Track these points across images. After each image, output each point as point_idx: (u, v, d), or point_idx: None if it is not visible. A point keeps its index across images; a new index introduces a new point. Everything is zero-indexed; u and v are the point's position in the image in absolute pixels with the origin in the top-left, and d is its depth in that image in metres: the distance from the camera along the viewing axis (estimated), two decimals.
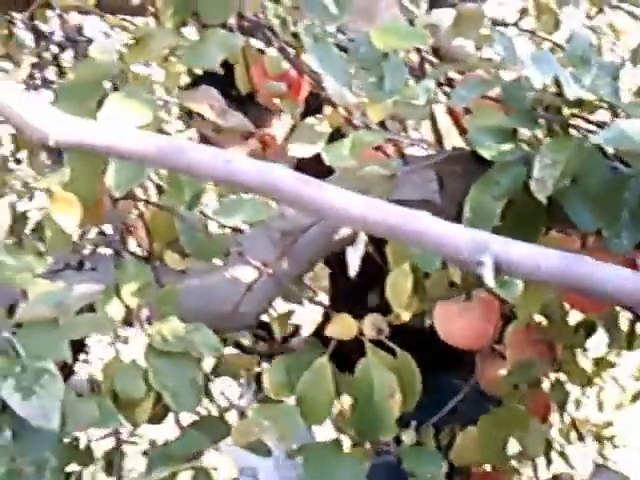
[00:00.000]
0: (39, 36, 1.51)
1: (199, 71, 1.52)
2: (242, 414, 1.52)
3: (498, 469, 1.51)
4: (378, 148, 1.22)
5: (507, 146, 1.09)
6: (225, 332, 1.40)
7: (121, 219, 1.23)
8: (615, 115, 1.10)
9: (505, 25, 1.76)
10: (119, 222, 1.22)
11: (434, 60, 1.38)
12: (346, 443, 1.28)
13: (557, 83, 1.07)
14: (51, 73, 1.85)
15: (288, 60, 1.26)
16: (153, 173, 1.25)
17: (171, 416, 1.23)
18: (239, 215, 1.12)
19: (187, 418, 1.23)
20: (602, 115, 1.15)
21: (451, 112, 1.27)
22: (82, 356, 2.21)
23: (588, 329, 1.48)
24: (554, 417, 1.62)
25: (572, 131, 1.14)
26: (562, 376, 1.51)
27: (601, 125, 1.14)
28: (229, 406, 1.73)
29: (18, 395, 0.90)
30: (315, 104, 1.33)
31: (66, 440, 1.05)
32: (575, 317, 1.48)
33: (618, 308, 1.44)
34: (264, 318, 1.59)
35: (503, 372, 1.47)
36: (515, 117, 1.11)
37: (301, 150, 1.20)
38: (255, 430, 1.19)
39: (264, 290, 1.27)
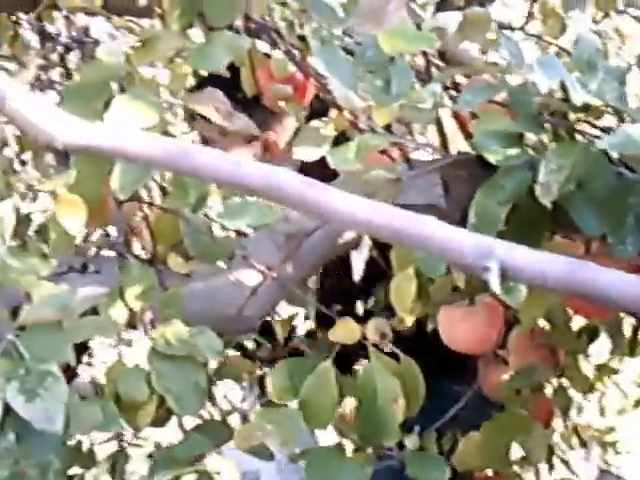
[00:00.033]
0: (45, 37, 1.51)
1: (204, 73, 1.52)
2: (245, 418, 1.52)
3: (500, 474, 1.51)
4: (383, 152, 1.22)
5: (513, 151, 1.09)
6: (229, 335, 1.40)
7: (126, 221, 1.23)
8: (621, 120, 1.10)
9: (512, 29, 1.76)
10: (123, 224, 1.22)
11: (440, 64, 1.38)
12: (348, 447, 1.28)
13: (563, 88, 1.07)
14: (56, 74, 1.85)
15: (294, 63, 1.26)
16: (157, 175, 1.25)
17: (174, 419, 1.23)
18: (244, 218, 1.12)
19: (190, 421, 1.23)
20: (608, 120, 1.15)
21: (457, 116, 1.26)
22: (86, 359, 2.22)
23: (591, 335, 1.48)
24: (556, 422, 1.61)
25: (578, 136, 1.13)
26: (565, 381, 1.51)
27: (607, 130, 1.14)
28: (232, 409, 1.73)
29: (22, 398, 0.90)
30: (320, 107, 1.33)
31: (69, 443, 1.05)
32: (578, 322, 1.48)
33: (622, 314, 1.44)
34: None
35: (506, 377, 1.47)
36: (521, 122, 1.11)
37: (306, 153, 1.19)
38: (258, 434, 1.19)
39: (268, 293, 1.27)
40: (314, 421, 1.20)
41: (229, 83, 1.29)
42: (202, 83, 1.22)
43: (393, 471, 1.25)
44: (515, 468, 1.47)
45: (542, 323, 1.46)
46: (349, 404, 1.25)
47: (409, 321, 1.25)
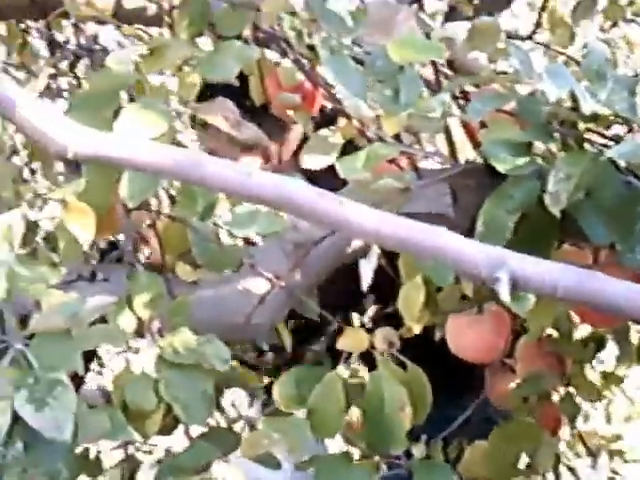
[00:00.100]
0: (54, 45, 1.51)
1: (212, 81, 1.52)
2: (252, 426, 1.52)
3: None
4: (392, 161, 1.22)
5: (522, 160, 1.09)
6: (237, 344, 1.40)
7: (134, 230, 1.23)
8: (630, 130, 1.10)
9: (522, 39, 1.76)
10: (132, 233, 1.22)
11: (449, 73, 1.38)
12: (355, 455, 1.28)
13: (572, 97, 1.07)
14: (65, 83, 1.86)
15: (303, 72, 1.26)
16: (166, 183, 1.25)
17: (180, 427, 1.23)
18: (252, 227, 1.12)
19: (196, 429, 1.23)
20: (616, 129, 1.15)
21: (465, 125, 1.27)
22: (95, 367, 2.22)
23: (598, 343, 1.48)
24: (563, 430, 1.61)
25: (586, 145, 1.14)
26: (572, 389, 1.51)
27: (615, 139, 1.14)
28: (238, 417, 1.73)
29: (31, 406, 0.89)
30: (329, 116, 1.33)
31: (76, 451, 1.05)
32: (585, 331, 1.48)
33: (629, 322, 1.43)
34: None
35: (513, 385, 1.46)
36: (530, 131, 1.11)
37: (314, 161, 1.20)
38: (265, 442, 1.19)
39: (276, 302, 1.27)
40: (322, 430, 1.20)
41: (237, 91, 1.29)
42: (207, 90, 1.21)
43: (400, 479, 1.25)
44: (522, 477, 1.46)
45: (549, 331, 1.46)
46: (356, 412, 1.25)
47: (417, 329, 1.25)
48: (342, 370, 1.24)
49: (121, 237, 1.26)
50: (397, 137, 1.18)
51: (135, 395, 1.15)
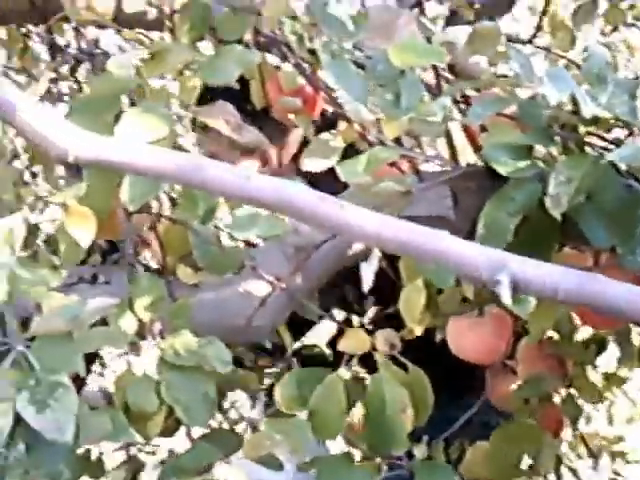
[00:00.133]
0: (55, 50, 1.52)
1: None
2: (254, 427, 1.52)
3: None
4: (393, 164, 1.22)
5: (523, 163, 1.09)
6: (238, 346, 1.40)
7: (135, 232, 1.23)
8: (630, 133, 1.10)
9: (522, 43, 1.76)
10: (133, 235, 1.22)
11: (450, 77, 1.39)
12: (356, 456, 1.28)
13: (573, 101, 1.07)
14: (66, 87, 1.86)
15: (304, 76, 1.26)
16: (167, 186, 1.25)
17: (182, 428, 1.23)
18: (253, 230, 1.12)
19: (198, 430, 1.23)
20: (616, 132, 1.15)
21: (466, 129, 1.27)
22: (97, 369, 2.22)
23: (599, 345, 1.48)
24: (564, 432, 1.61)
25: (587, 148, 1.14)
26: (574, 391, 1.51)
27: (616, 143, 1.14)
28: (240, 418, 1.73)
29: (32, 408, 0.90)
30: (329, 120, 1.33)
31: (79, 452, 1.05)
32: (586, 333, 1.48)
33: (630, 324, 1.44)
34: None
35: (514, 387, 1.46)
36: (531, 134, 1.11)
37: (314, 165, 1.20)
38: (267, 443, 1.19)
39: (277, 304, 1.27)
40: (323, 432, 1.20)
41: (238, 95, 1.30)
42: (209, 94, 1.22)
43: None
44: (523, 478, 1.46)
45: (550, 333, 1.46)
46: (357, 413, 1.25)
47: (418, 331, 1.25)
48: (343, 372, 1.24)
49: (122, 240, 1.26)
50: (398, 141, 1.18)
51: (137, 397, 1.15)
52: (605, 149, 1.14)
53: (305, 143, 1.30)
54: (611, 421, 2.31)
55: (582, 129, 1.12)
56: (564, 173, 1.06)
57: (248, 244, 1.33)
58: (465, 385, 1.59)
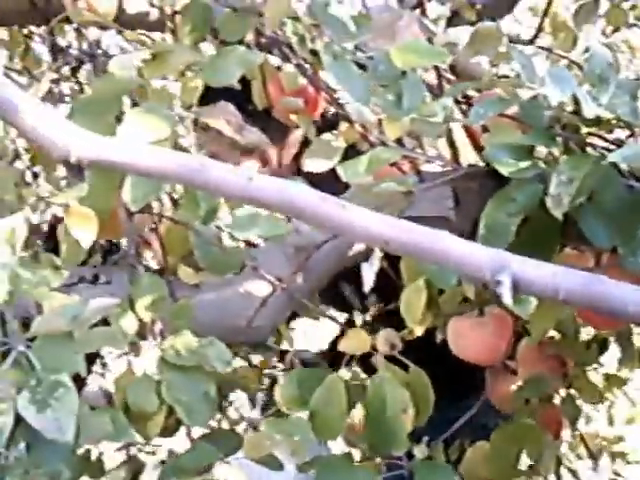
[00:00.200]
0: (56, 50, 1.52)
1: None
2: (254, 427, 1.52)
3: None
4: (394, 164, 1.22)
5: (524, 163, 1.09)
6: (239, 346, 1.40)
7: (136, 233, 1.23)
8: (632, 134, 1.10)
9: (524, 43, 1.76)
10: (134, 236, 1.22)
11: (451, 77, 1.39)
12: (356, 457, 1.28)
13: (575, 101, 1.07)
14: (66, 88, 1.86)
15: (305, 77, 1.26)
16: (168, 186, 1.25)
17: (182, 428, 1.23)
18: (254, 230, 1.12)
19: (198, 430, 1.23)
20: (618, 133, 1.15)
21: (467, 129, 1.27)
22: (99, 369, 2.22)
23: (600, 346, 1.48)
24: (564, 432, 1.61)
25: (589, 149, 1.14)
26: (574, 391, 1.51)
27: (617, 143, 1.14)
28: (240, 418, 1.73)
29: (33, 408, 0.90)
30: (330, 120, 1.33)
31: (79, 452, 1.05)
32: (588, 333, 1.48)
33: (632, 325, 1.44)
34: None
35: (514, 388, 1.47)
36: (532, 135, 1.11)
37: (316, 165, 1.20)
38: (267, 443, 1.19)
39: (278, 305, 1.27)
40: (324, 432, 1.20)
41: (239, 95, 1.30)
42: (210, 94, 1.22)
43: None
44: (523, 478, 1.46)
45: (551, 333, 1.46)
46: (357, 414, 1.25)
47: (419, 332, 1.25)
48: (344, 372, 1.25)
49: (123, 240, 1.26)
50: (399, 141, 1.18)
51: (137, 397, 1.15)
52: (606, 149, 1.14)
53: (306, 143, 1.31)
54: (611, 422, 2.31)
55: (584, 129, 1.12)
56: (565, 173, 1.06)
57: (249, 244, 1.33)
58: (466, 385, 1.59)
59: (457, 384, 1.57)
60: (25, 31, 1.92)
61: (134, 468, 1.45)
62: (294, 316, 1.73)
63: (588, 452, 1.85)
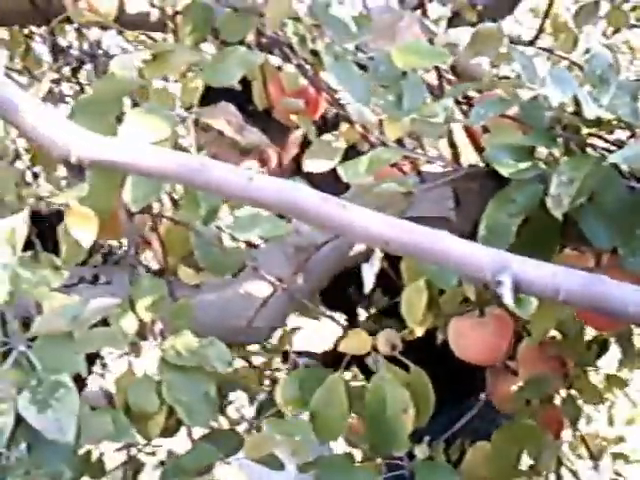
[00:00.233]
0: (57, 51, 1.52)
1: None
2: (256, 428, 1.52)
3: None
4: (394, 165, 1.22)
5: (524, 164, 1.09)
6: (239, 347, 1.40)
7: (137, 233, 1.23)
8: (633, 135, 1.10)
9: (524, 44, 1.76)
10: (135, 236, 1.22)
11: (452, 78, 1.39)
12: (357, 457, 1.28)
13: (575, 102, 1.07)
14: (67, 88, 1.86)
15: (306, 77, 1.26)
16: (168, 187, 1.25)
17: (183, 429, 1.23)
18: (255, 230, 1.12)
19: (199, 431, 1.23)
20: (618, 134, 1.15)
21: (468, 130, 1.27)
22: (99, 369, 2.22)
23: (601, 346, 1.48)
24: (565, 432, 1.61)
25: (589, 150, 1.14)
26: (574, 392, 1.51)
27: (618, 144, 1.14)
28: (240, 419, 1.73)
29: (34, 408, 0.89)
30: (331, 121, 1.33)
31: (80, 453, 1.06)
32: (589, 334, 1.48)
33: (632, 325, 1.44)
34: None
35: (515, 388, 1.47)
36: (533, 135, 1.11)
37: (316, 166, 1.20)
38: (268, 444, 1.19)
39: (278, 305, 1.27)
40: (324, 433, 1.20)
41: (239, 95, 1.30)
42: (211, 94, 1.22)
43: None
44: (524, 478, 1.46)
45: (552, 333, 1.46)
46: (358, 414, 1.25)
47: (419, 332, 1.25)
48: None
49: (124, 240, 1.26)
50: (400, 142, 1.18)
51: (138, 397, 1.15)
52: (607, 150, 1.14)
53: (306, 144, 1.31)
54: (611, 422, 2.31)
55: (584, 130, 1.12)
56: (566, 174, 1.06)
57: (249, 245, 1.33)
58: (466, 386, 1.59)
59: (458, 384, 1.57)
60: (26, 31, 1.93)
61: (134, 468, 1.46)
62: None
63: (589, 452, 1.85)
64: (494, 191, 1.13)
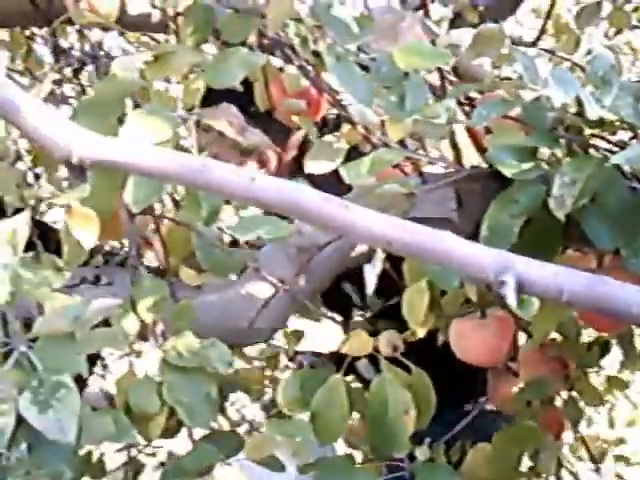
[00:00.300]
0: (58, 52, 1.52)
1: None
2: (255, 428, 1.53)
3: None
4: (396, 166, 1.22)
5: (527, 165, 1.09)
6: (241, 348, 1.40)
7: (139, 234, 1.23)
8: (635, 135, 1.10)
9: (526, 45, 1.76)
10: (136, 237, 1.22)
11: (454, 79, 1.39)
12: (358, 458, 1.28)
13: (578, 103, 1.07)
14: (68, 89, 1.86)
15: (308, 78, 1.26)
16: (170, 187, 1.25)
17: (183, 429, 1.23)
18: (257, 232, 1.12)
19: (199, 432, 1.23)
20: (621, 135, 1.15)
21: (470, 131, 1.27)
22: (99, 370, 2.22)
23: (602, 348, 1.48)
24: (565, 434, 1.61)
25: (592, 151, 1.14)
26: (575, 394, 1.51)
27: (620, 145, 1.14)
28: (241, 420, 1.73)
29: (35, 408, 0.90)
30: (333, 122, 1.33)
31: (80, 453, 1.06)
32: (590, 335, 1.48)
33: (633, 327, 1.44)
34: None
35: (516, 389, 1.47)
36: (535, 136, 1.11)
37: (318, 167, 1.20)
38: (268, 445, 1.19)
39: (280, 306, 1.27)
40: (325, 434, 1.20)
41: (241, 97, 1.30)
42: (212, 95, 1.22)
43: None
44: None
45: (553, 334, 1.46)
46: (359, 415, 1.25)
47: (421, 333, 1.25)
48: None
49: (125, 241, 1.26)
50: (402, 143, 1.18)
51: (139, 398, 1.15)
52: (610, 151, 1.14)
53: (307, 145, 1.31)
54: (612, 424, 2.31)
55: (587, 131, 1.12)
56: (568, 175, 1.06)
57: (251, 245, 1.33)
58: (467, 387, 1.59)
59: (459, 386, 1.57)
60: (27, 32, 1.93)
61: (134, 469, 1.46)
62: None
63: (589, 455, 1.85)
64: (496, 192, 1.13)
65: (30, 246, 1.06)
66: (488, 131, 1.21)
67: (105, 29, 1.56)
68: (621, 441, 1.98)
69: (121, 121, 1.09)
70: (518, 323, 1.33)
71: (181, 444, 1.24)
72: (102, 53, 1.46)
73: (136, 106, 1.15)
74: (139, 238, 1.24)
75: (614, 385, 1.65)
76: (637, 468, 2.11)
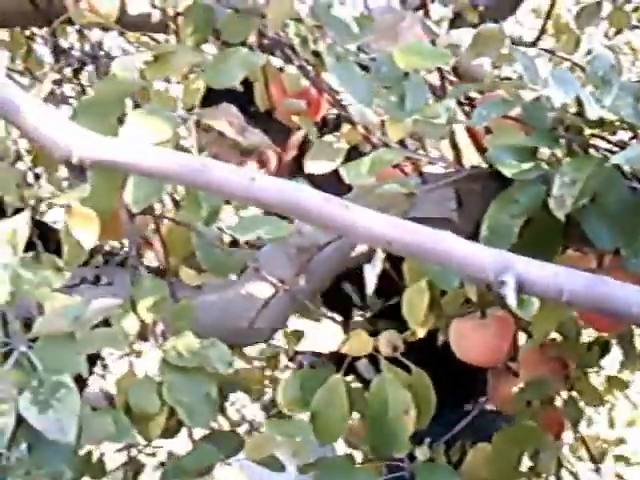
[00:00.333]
0: (58, 52, 1.52)
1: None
2: (255, 428, 1.53)
3: None
4: (396, 166, 1.22)
5: (527, 165, 1.09)
6: (241, 348, 1.40)
7: (139, 234, 1.23)
8: (635, 135, 1.10)
9: (526, 45, 1.76)
10: (136, 237, 1.22)
11: (454, 79, 1.39)
12: (358, 458, 1.28)
13: (578, 102, 1.07)
14: (68, 89, 1.86)
15: (308, 78, 1.26)
16: (170, 187, 1.25)
17: (183, 429, 1.23)
18: (257, 232, 1.12)
19: (200, 432, 1.23)
20: (621, 135, 1.15)
21: (470, 131, 1.27)
22: (99, 370, 2.22)
23: (602, 348, 1.48)
24: (565, 434, 1.61)
25: (592, 151, 1.14)
26: (575, 394, 1.51)
27: (620, 145, 1.14)
28: (241, 419, 1.73)
29: (35, 408, 0.90)
30: (333, 122, 1.33)
31: (80, 453, 1.06)
32: (590, 335, 1.48)
33: (633, 327, 1.44)
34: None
35: (516, 389, 1.47)
36: (535, 136, 1.11)
37: (318, 167, 1.20)
38: (268, 445, 1.19)
39: (280, 306, 1.27)
40: (325, 434, 1.20)
41: (242, 97, 1.30)
42: (212, 95, 1.22)
43: None
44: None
45: (553, 334, 1.46)
46: (359, 415, 1.25)
47: (421, 333, 1.25)
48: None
49: (125, 241, 1.26)
50: (402, 143, 1.18)
51: (139, 398, 1.15)
52: (610, 151, 1.14)
53: (306, 145, 1.31)
54: (612, 424, 2.31)
55: (587, 131, 1.12)
56: (568, 175, 1.06)
57: (251, 245, 1.33)
58: (467, 387, 1.59)
59: (459, 386, 1.57)
60: (27, 32, 1.93)
61: (134, 469, 1.46)
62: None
63: (589, 455, 1.85)
64: (496, 192, 1.13)
65: (30, 246, 1.06)
66: (488, 131, 1.21)
67: (105, 29, 1.56)
68: (621, 441, 1.98)
69: (121, 121, 1.09)
70: (518, 323, 1.33)
71: (181, 444, 1.24)
72: (102, 53, 1.46)
73: (136, 106, 1.15)
74: (139, 238, 1.24)
75: (614, 385, 1.65)
76: (637, 468, 2.11)
